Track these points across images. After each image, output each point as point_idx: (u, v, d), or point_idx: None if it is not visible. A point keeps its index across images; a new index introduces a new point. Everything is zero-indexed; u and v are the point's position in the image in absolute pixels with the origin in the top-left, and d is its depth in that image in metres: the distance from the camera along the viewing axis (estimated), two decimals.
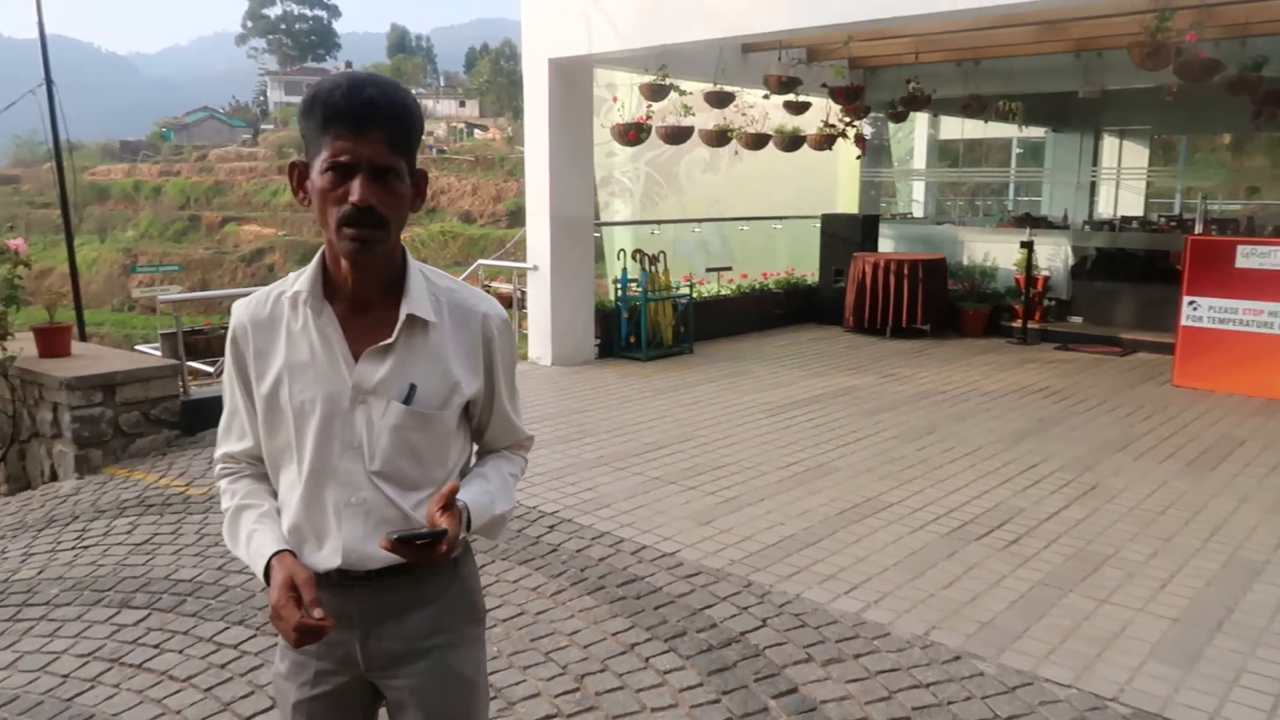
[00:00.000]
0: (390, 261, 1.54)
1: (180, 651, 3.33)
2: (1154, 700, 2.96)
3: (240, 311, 1.59)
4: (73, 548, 4.35)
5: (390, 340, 1.52)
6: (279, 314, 1.56)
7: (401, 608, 1.60)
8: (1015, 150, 16.34)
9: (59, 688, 3.11)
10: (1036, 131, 13.96)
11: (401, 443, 1.55)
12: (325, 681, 1.62)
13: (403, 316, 1.52)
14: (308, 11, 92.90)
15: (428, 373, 1.55)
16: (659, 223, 9.74)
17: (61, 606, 3.73)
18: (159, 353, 6.99)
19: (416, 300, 1.53)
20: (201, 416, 5.95)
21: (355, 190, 1.41)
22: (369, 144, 1.41)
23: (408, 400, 1.53)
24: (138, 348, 8.05)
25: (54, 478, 5.62)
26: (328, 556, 1.56)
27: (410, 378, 1.53)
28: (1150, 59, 6.56)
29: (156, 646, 3.37)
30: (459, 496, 1.51)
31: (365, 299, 1.54)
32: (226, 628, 3.49)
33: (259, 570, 1.51)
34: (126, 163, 58.11)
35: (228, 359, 1.61)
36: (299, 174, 1.50)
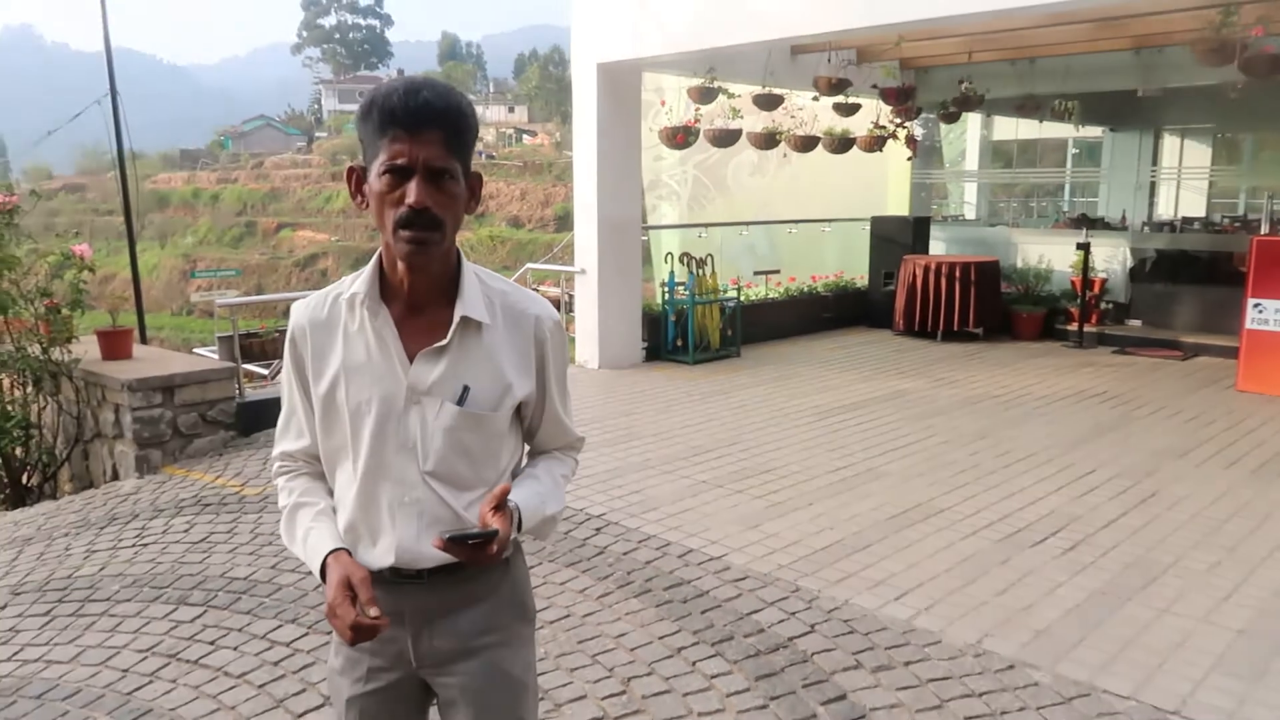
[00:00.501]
0: (445, 263, 1.55)
1: (235, 648, 3.39)
2: (1218, 714, 2.87)
3: (299, 313, 1.62)
4: (133, 545, 4.46)
5: (444, 342, 1.53)
6: (336, 315, 1.58)
7: (453, 606, 1.61)
8: (1071, 150, 16.01)
9: (119, 682, 3.19)
10: (1093, 131, 13.66)
11: (455, 443, 1.56)
12: (378, 678, 1.64)
13: (457, 318, 1.53)
14: (361, 21, 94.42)
15: (481, 374, 1.56)
16: (706, 226, 9.71)
17: (122, 603, 3.82)
18: (216, 356, 7.15)
19: (470, 302, 1.55)
20: (256, 418, 6.07)
21: (411, 192, 1.43)
22: (425, 146, 1.42)
23: (461, 401, 1.54)
24: (196, 351, 8.25)
25: (115, 477, 5.77)
26: (381, 555, 1.57)
27: (464, 379, 1.55)
28: (1214, 55, 6.40)
29: (212, 643, 3.44)
30: (510, 497, 1.52)
31: (421, 301, 1.55)
32: (280, 625, 3.55)
33: (315, 568, 1.53)
34: (186, 170, 59.61)
35: (286, 359, 1.64)
36: (357, 178, 1.52)
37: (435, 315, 1.55)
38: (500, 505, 1.48)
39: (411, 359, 1.54)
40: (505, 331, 1.59)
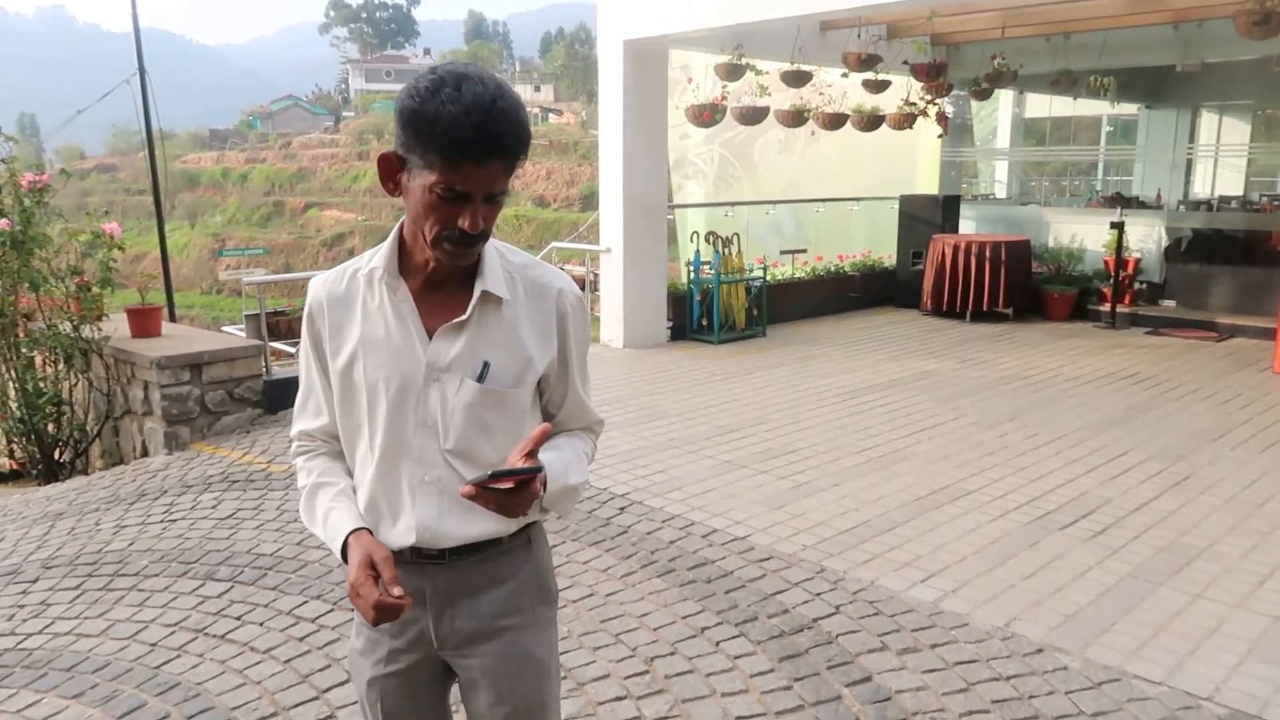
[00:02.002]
0: None
1: (261, 624, 3.41)
2: (1253, 701, 2.82)
3: (317, 288, 1.59)
4: (161, 521, 4.51)
5: (464, 317, 1.50)
6: (354, 291, 1.55)
7: (474, 587, 1.59)
8: (1105, 128, 15.70)
9: (147, 655, 3.22)
10: (1129, 108, 13.38)
11: (475, 420, 1.53)
12: (398, 660, 1.63)
13: (477, 293, 1.50)
14: (388, 0, 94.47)
15: (501, 350, 1.53)
16: (733, 205, 9.63)
17: (150, 577, 3.86)
18: (243, 334, 7.20)
19: (491, 277, 1.52)
20: (283, 395, 6.10)
21: (467, 218, 1.40)
22: (489, 174, 1.38)
23: (481, 378, 1.51)
24: (224, 329, 8.31)
25: (145, 453, 5.83)
26: (402, 534, 1.55)
27: (484, 355, 1.52)
28: (1257, 28, 6.23)
29: (238, 618, 3.46)
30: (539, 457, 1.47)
31: (441, 277, 1.52)
32: (305, 602, 3.57)
33: (336, 548, 1.52)
34: (215, 150, 60.08)
35: (304, 335, 1.62)
36: (392, 167, 1.45)
37: (455, 290, 1.52)
38: (533, 453, 1.41)
39: (431, 335, 1.51)
40: (526, 306, 1.55)
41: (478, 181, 1.37)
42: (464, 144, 1.33)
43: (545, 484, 1.47)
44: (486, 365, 1.51)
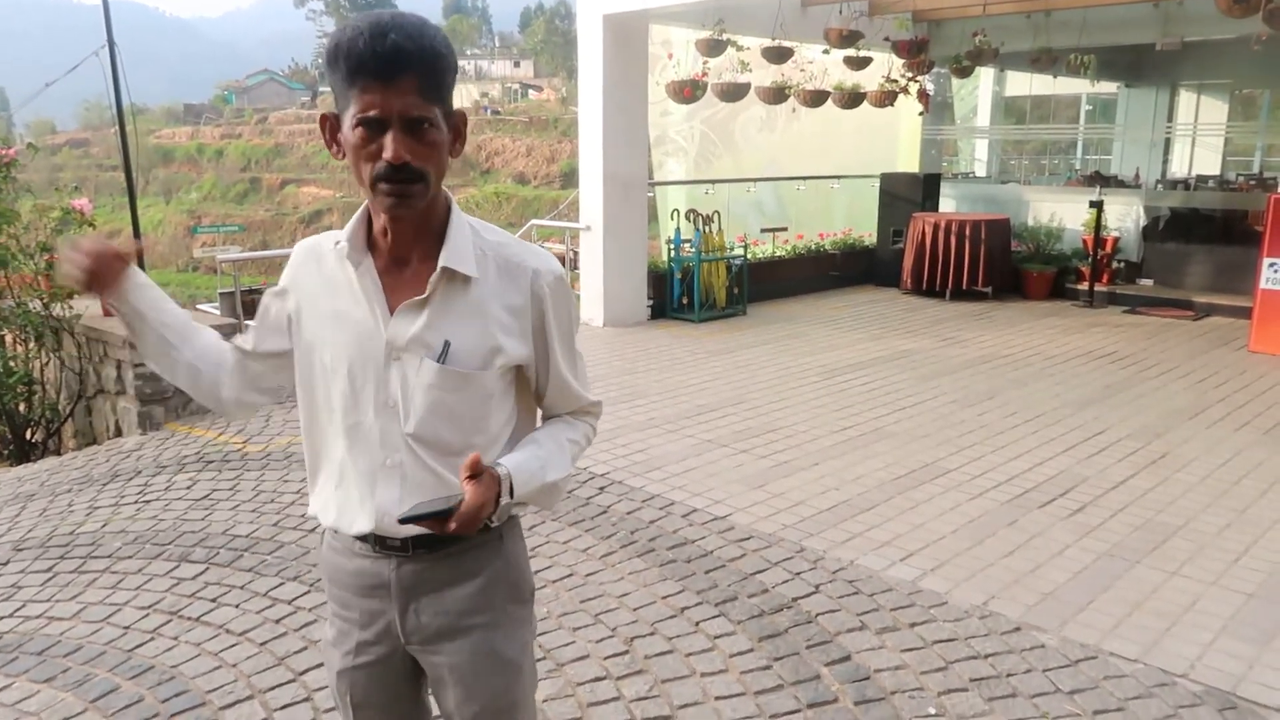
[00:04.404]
0: (431, 214, 1.46)
1: (237, 606, 3.38)
2: (1227, 678, 2.84)
3: (303, 251, 1.57)
4: (135, 502, 4.45)
5: (425, 295, 1.44)
6: (330, 262, 1.52)
7: (441, 581, 1.55)
8: (1085, 107, 15.74)
9: (120, 639, 3.18)
10: (1108, 87, 13.40)
11: (437, 404, 1.47)
12: (367, 652, 1.59)
13: (439, 269, 1.44)
14: None
15: (465, 330, 1.46)
16: (713, 182, 9.58)
17: (124, 560, 3.81)
18: (218, 311, 7.10)
19: (455, 253, 1.45)
20: None
21: (388, 147, 1.33)
22: (400, 95, 1.32)
23: (442, 358, 1.45)
24: (199, 307, 8.19)
25: (118, 433, 5.75)
26: (362, 520, 1.51)
27: (445, 334, 1.45)
28: (1237, 6, 6.23)
29: (214, 600, 3.43)
30: (503, 461, 1.44)
31: (406, 253, 1.47)
32: (282, 583, 3.54)
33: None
34: (190, 126, 59.21)
35: (283, 280, 1.57)
36: (331, 126, 1.42)
37: (420, 267, 1.47)
38: (476, 473, 1.35)
39: (394, 312, 1.46)
40: (497, 286, 1.48)
41: (389, 102, 1.32)
42: (363, 61, 1.30)
43: (512, 490, 1.43)
44: (447, 345, 1.45)
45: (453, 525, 1.34)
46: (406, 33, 1.31)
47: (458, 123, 1.44)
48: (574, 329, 1.60)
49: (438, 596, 1.55)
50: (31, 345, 6.04)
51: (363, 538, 1.53)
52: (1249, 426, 5.40)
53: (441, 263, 1.44)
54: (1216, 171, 12.69)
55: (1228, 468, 4.70)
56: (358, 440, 1.50)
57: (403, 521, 1.35)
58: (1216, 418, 5.57)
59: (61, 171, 41.66)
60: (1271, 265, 7.19)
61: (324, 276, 1.51)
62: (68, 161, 50.70)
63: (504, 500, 1.42)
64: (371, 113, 1.32)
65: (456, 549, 1.54)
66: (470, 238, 1.48)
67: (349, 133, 1.36)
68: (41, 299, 5.84)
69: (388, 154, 1.33)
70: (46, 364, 6.15)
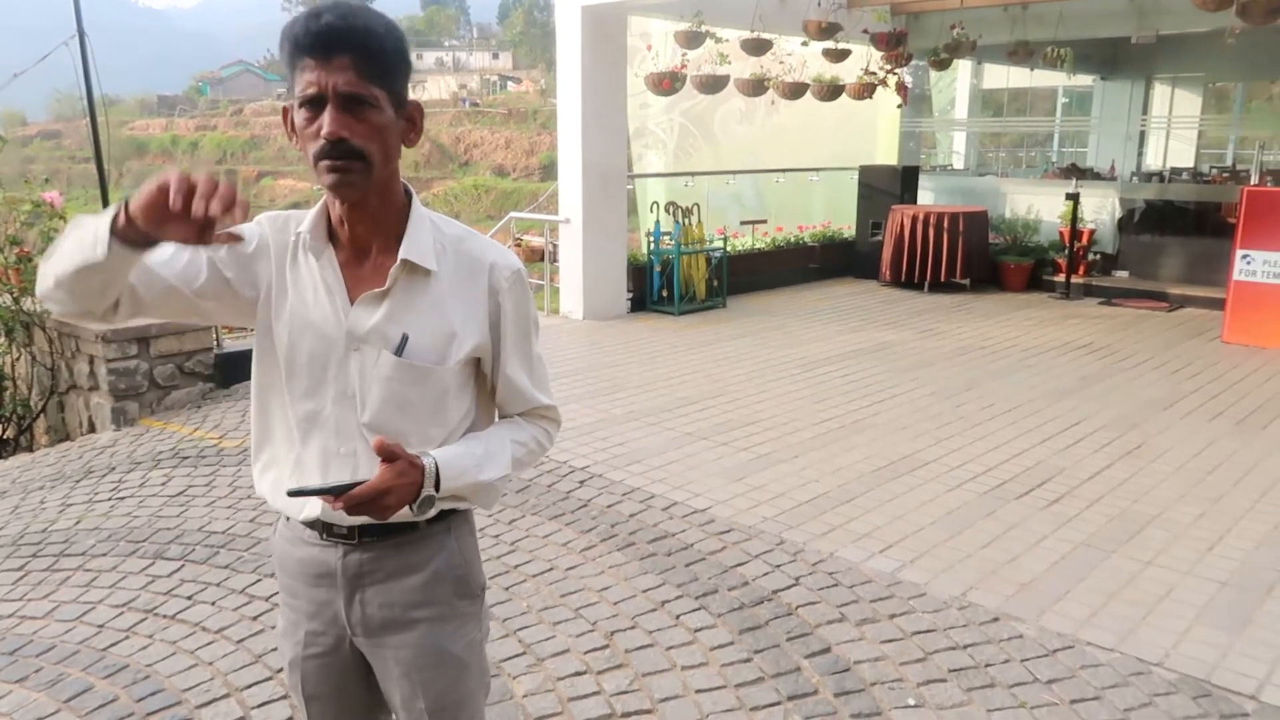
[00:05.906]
0: (388, 205, 1.46)
1: (213, 603, 3.34)
2: (1201, 666, 2.87)
3: (271, 222, 1.49)
4: (109, 499, 4.39)
5: (384, 287, 1.45)
6: (293, 247, 1.50)
7: (387, 572, 1.54)
8: (1061, 99, 15.84)
9: (94, 638, 3.14)
10: (1084, 80, 13.50)
11: (393, 395, 1.47)
12: (316, 643, 1.59)
13: (398, 262, 1.44)
14: None
15: (423, 323, 1.47)
16: (693, 175, 9.56)
17: (97, 557, 3.76)
18: None
19: (416, 246, 1.45)
20: (235, 369, 5.97)
21: (326, 122, 1.33)
22: (335, 72, 1.32)
23: (399, 351, 1.45)
24: None
25: (92, 429, 5.68)
26: (311, 505, 1.50)
27: (404, 327, 1.46)
28: (1212, 0, 6.27)
29: (190, 598, 3.39)
30: (431, 453, 1.43)
31: (365, 244, 1.47)
32: (258, 580, 3.50)
33: (106, 222, 1.18)
34: (164, 117, 58.55)
35: (260, 240, 1.47)
36: (291, 118, 1.41)
37: (381, 260, 1.47)
38: (390, 457, 1.34)
39: (354, 303, 1.46)
40: (456, 280, 1.49)
41: (325, 79, 1.32)
42: (299, 41, 1.33)
43: (439, 483, 1.42)
44: (405, 338, 1.45)
45: (339, 504, 1.34)
46: (341, 13, 1.33)
47: (412, 112, 1.44)
48: (531, 328, 1.58)
49: (384, 587, 1.54)
50: (2, 340, 5.95)
51: (310, 524, 1.53)
52: (1222, 417, 5.45)
53: (401, 255, 1.44)
54: (1191, 164, 12.82)
55: (1201, 458, 4.75)
56: (314, 428, 1.49)
57: (291, 494, 1.36)
58: (1190, 408, 5.62)
59: (33, 163, 41.04)
60: (1244, 257, 7.27)
61: (290, 258, 1.50)
62: (39, 153, 50.03)
63: (427, 492, 1.41)
64: (310, 90, 1.33)
65: (404, 539, 1.53)
66: (430, 231, 1.48)
67: (296, 115, 1.37)
68: (11, 293, 5.75)
69: (325, 129, 1.33)
70: (18, 359, 6.06)
